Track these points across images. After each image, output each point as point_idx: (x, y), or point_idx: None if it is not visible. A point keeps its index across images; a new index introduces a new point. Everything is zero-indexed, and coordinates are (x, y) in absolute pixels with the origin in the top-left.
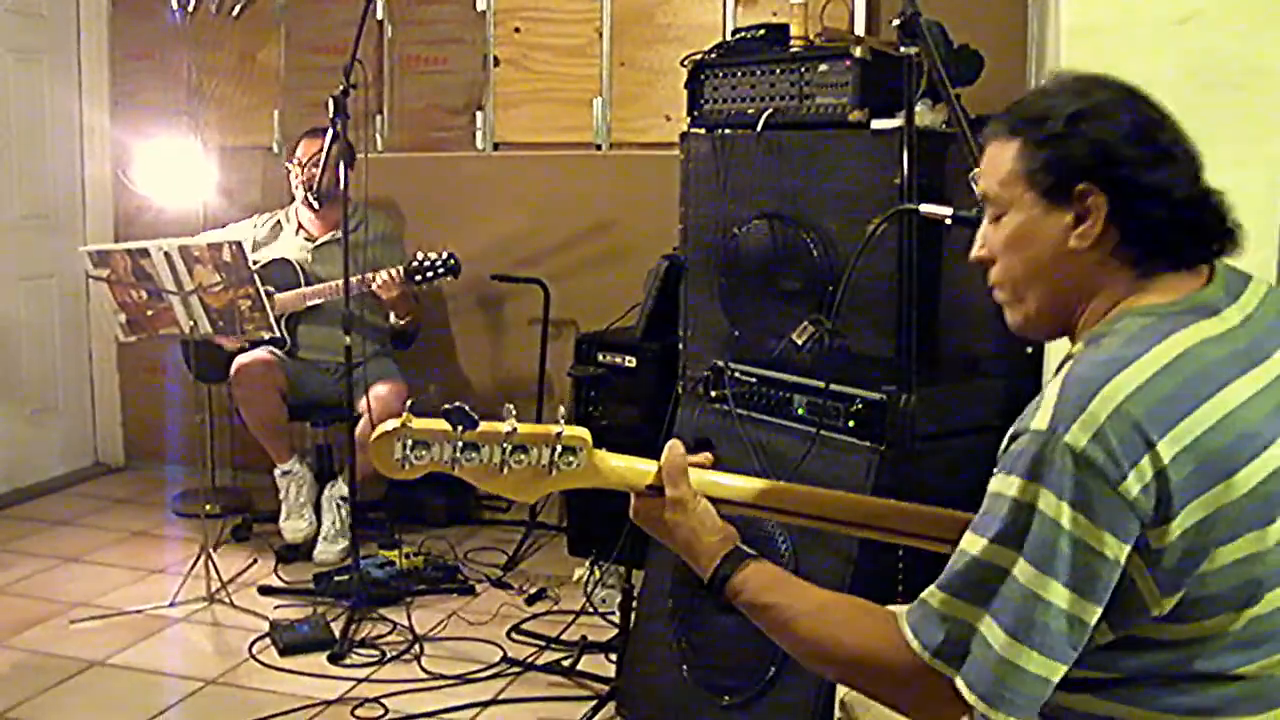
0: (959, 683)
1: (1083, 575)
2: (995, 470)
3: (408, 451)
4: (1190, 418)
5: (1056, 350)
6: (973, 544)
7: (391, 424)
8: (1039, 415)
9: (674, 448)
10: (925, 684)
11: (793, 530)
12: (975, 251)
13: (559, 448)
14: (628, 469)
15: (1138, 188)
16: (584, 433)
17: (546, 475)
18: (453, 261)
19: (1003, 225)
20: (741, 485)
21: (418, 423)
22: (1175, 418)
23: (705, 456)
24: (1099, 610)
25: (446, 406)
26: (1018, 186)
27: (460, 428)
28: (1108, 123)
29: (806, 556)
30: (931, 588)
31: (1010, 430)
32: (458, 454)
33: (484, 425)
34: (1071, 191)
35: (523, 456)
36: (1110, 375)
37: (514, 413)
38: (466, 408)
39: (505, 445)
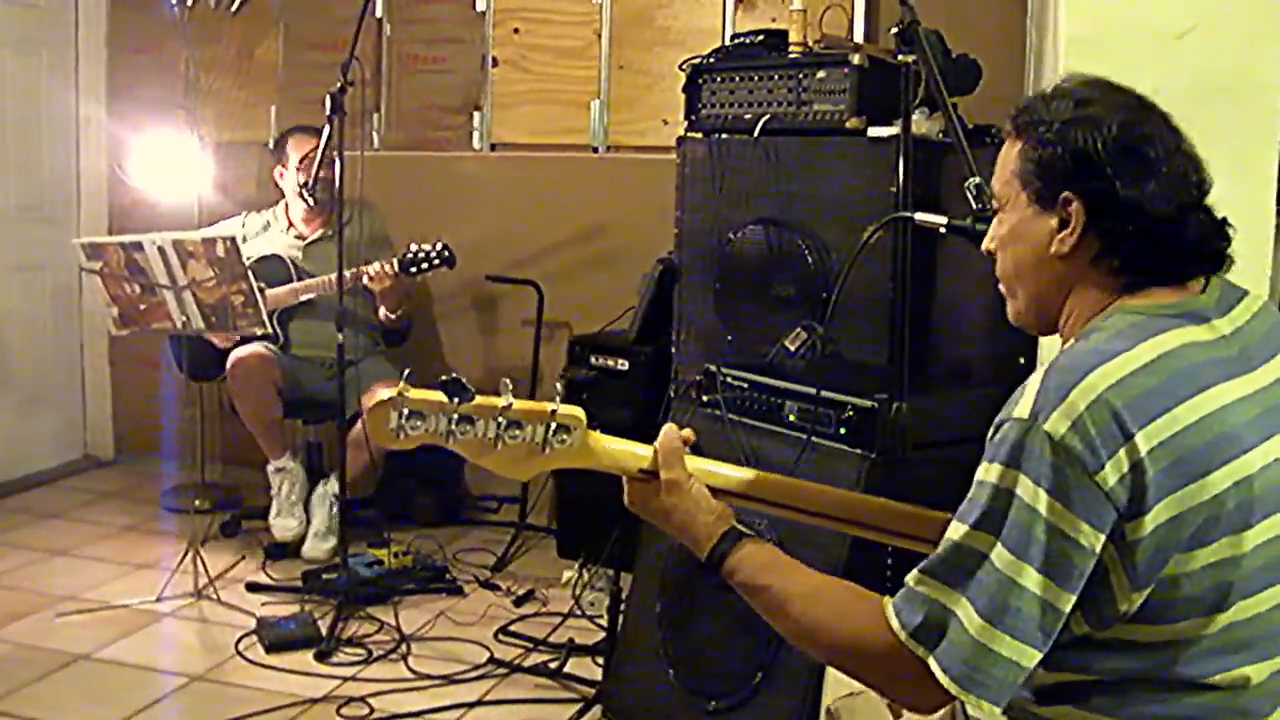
0: (933, 664)
1: (1057, 562)
2: (982, 460)
3: (403, 421)
4: (1170, 414)
5: (1049, 359)
6: (955, 530)
7: (388, 393)
8: (1021, 404)
9: (670, 431)
10: (906, 667)
11: (779, 527)
12: (985, 243)
13: (553, 425)
14: (622, 451)
15: (1112, 201)
16: (579, 412)
17: (540, 453)
18: (447, 252)
19: (1001, 222)
20: (734, 475)
21: (414, 393)
22: (1155, 412)
23: (688, 434)
24: (1072, 598)
25: (444, 378)
26: (1014, 185)
27: (456, 400)
28: (1093, 133)
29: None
30: (915, 571)
31: (995, 420)
32: (453, 426)
33: (480, 399)
34: (1057, 197)
35: (517, 432)
36: (1093, 366)
37: (510, 388)
38: (463, 380)
39: (500, 420)
